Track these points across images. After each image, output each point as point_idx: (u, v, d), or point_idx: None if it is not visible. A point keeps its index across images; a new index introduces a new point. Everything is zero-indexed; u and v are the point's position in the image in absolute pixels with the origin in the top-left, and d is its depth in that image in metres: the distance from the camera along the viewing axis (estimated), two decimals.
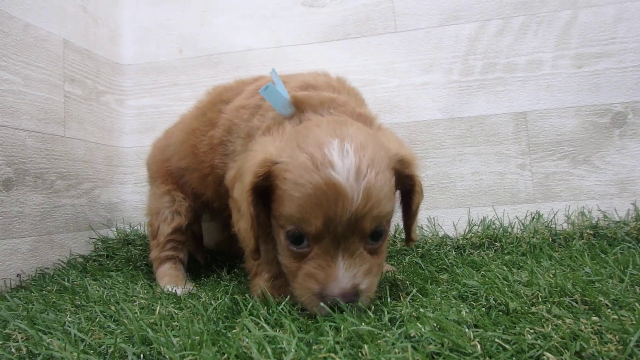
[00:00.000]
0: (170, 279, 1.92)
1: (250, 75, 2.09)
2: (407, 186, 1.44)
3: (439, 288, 1.44)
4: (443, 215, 2.46)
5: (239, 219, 1.40)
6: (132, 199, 2.75)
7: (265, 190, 1.34)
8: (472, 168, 2.44)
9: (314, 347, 0.99)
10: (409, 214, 1.50)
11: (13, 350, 1.14)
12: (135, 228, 2.65)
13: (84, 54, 2.49)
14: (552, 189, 2.36)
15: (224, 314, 1.29)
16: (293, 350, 0.96)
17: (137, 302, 1.52)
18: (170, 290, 1.77)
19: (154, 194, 2.10)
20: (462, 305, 1.22)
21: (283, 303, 1.29)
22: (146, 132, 2.77)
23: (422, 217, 2.46)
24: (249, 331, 1.09)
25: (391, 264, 1.91)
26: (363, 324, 1.08)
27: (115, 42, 2.79)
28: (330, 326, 1.09)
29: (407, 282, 1.54)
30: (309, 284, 1.26)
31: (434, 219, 2.45)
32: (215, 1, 2.78)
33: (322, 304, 1.21)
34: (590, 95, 2.34)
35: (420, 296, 1.34)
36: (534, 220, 2.30)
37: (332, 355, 0.93)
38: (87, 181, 2.45)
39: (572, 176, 2.35)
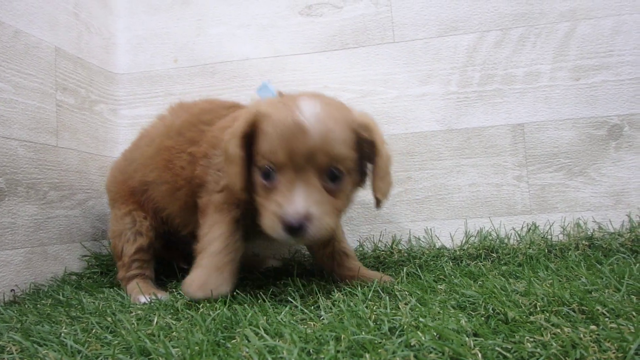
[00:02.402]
0: (140, 289, 1.96)
1: (224, 98, 2.23)
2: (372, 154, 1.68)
3: (438, 298, 1.43)
4: (440, 226, 2.45)
5: (228, 166, 1.66)
6: None
7: None
8: (469, 179, 2.44)
9: (315, 356, 0.99)
10: (375, 177, 1.70)
11: None
12: None
13: (76, 62, 2.48)
14: (548, 201, 2.37)
15: (223, 324, 1.28)
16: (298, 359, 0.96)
17: (134, 314, 1.52)
18: (140, 300, 1.85)
19: (115, 216, 2.15)
20: (460, 315, 1.22)
21: (283, 313, 1.30)
22: None
23: (419, 228, 2.47)
24: (248, 341, 1.09)
25: (389, 275, 1.91)
26: (363, 332, 1.09)
27: (109, 50, 2.78)
28: (331, 335, 1.09)
29: (406, 292, 1.53)
30: (273, 208, 1.51)
31: (431, 230, 2.45)
32: (211, 11, 2.77)
33: (281, 226, 1.47)
34: (587, 108, 2.35)
35: (420, 306, 1.34)
36: (530, 231, 2.31)
37: None
38: (81, 192, 2.44)
39: (568, 188, 2.35)
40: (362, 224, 2.52)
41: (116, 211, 2.15)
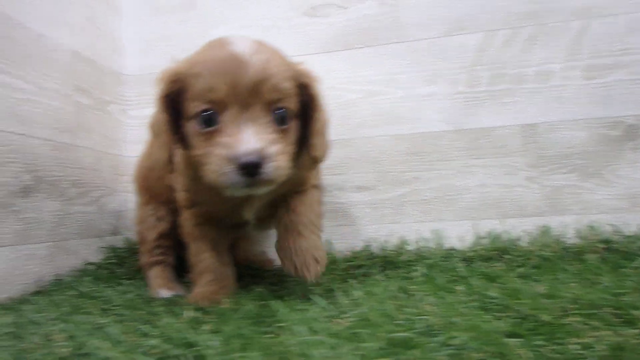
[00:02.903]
0: (161, 281, 2.00)
1: None
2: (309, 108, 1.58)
3: (458, 299, 1.42)
4: (449, 227, 2.44)
5: (154, 145, 1.63)
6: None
7: None
8: (478, 180, 2.43)
9: (358, 352, 0.98)
10: (313, 133, 1.59)
11: (61, 350, 1.13)
12: None
13: (91, 64, 2.53)
14: (561, 202, 2.35)
15: (251, 320, 1.27)
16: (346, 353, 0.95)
17: (162, 307, 1.53)
18: (160, 294, 1.88)
19: (138, 204, 2.20)
20: (487, 317, 1.21)
21: (311, 310, 1.28)
22: None
23: (427, 229, 2.46)
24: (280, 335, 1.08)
25: (403, 277, 1.89)
26: (398, 331, 1.07)
27: (118, 53, 2.83)
28: (366, 333, 1.08)
29: (422, 293, 1.52)
30: (218, 151, 1.38)
31: (439, 231, 2.43)
32: (215, 13, 2.77)
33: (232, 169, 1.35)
34: (601, 108, 2.33)
35: (445, 306, 1.32)
36: (543, 233, 2.28)
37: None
38: (96, 189, 2.50)
39: (582, 189, 2.33)
40: (368, 224, 2.51)
41: (139, 199, 2.20)
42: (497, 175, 2.41)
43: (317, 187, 1.87)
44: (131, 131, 2.83)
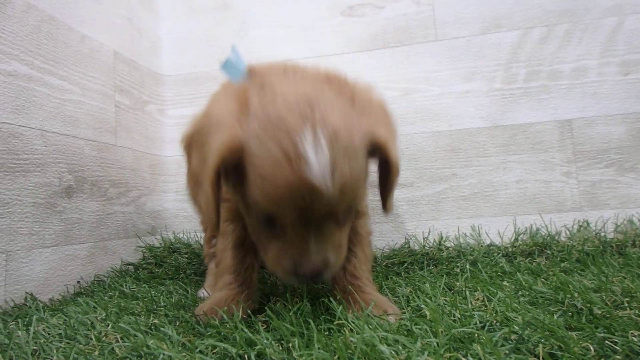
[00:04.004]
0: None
1: None
2: (384, 162, 1.41)
3: (507, 294, 1.40)
4: (487, 223, 2.45)
5: (198, 192, 1.36)
6: (174, 207, 2.78)
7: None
8: (516, 176, 2.43)
9: (421, 348, 0.98)
10: (385, 188, 1.49)
11: (119, 351, 1.13)
12: (179, 236, 2.68)
13: (130, 64, 2.54)
14: (599, 197, 2.35)
15: (303, 318, 1.27)
16: (411, 350, 0.95)
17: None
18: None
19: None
20: (540, 311, 1.21)
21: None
22: None
23: (466, 225, 2.47)
24: (339, 333, 1.09)
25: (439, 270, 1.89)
26: (458, 326, 1.08)
27: (156, 53, 2.84)
28: (424, 329, 1.09)
29: (469, 289, 1.52)
30: (283, 262, 1.26)
31: (478, 227, 2.45)
32: (253, 13, 2.78)
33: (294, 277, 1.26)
34: (637, 103, 2.33)
35: (494, 300, 1.32)
36: (582, 228, 2.29)
37: (456, 354, 0.93)
38: (135, 189, 2.50)
39: (620, 184, 2.34)
40: (407, 220, 2.52)
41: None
42: (534, 171, 2.42)
43: (365, 213, 1.71)
44: (169, 131, 2.85)
